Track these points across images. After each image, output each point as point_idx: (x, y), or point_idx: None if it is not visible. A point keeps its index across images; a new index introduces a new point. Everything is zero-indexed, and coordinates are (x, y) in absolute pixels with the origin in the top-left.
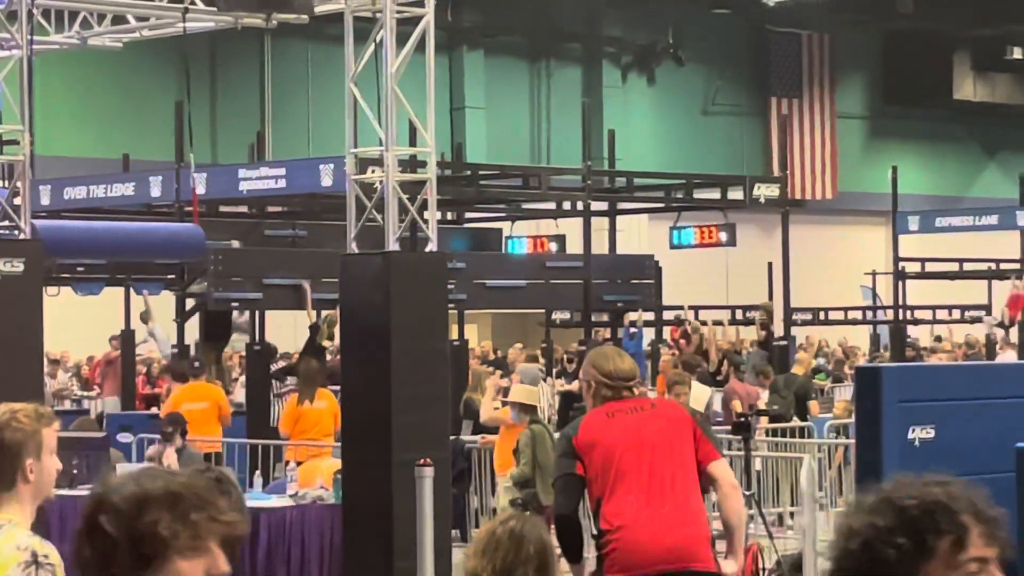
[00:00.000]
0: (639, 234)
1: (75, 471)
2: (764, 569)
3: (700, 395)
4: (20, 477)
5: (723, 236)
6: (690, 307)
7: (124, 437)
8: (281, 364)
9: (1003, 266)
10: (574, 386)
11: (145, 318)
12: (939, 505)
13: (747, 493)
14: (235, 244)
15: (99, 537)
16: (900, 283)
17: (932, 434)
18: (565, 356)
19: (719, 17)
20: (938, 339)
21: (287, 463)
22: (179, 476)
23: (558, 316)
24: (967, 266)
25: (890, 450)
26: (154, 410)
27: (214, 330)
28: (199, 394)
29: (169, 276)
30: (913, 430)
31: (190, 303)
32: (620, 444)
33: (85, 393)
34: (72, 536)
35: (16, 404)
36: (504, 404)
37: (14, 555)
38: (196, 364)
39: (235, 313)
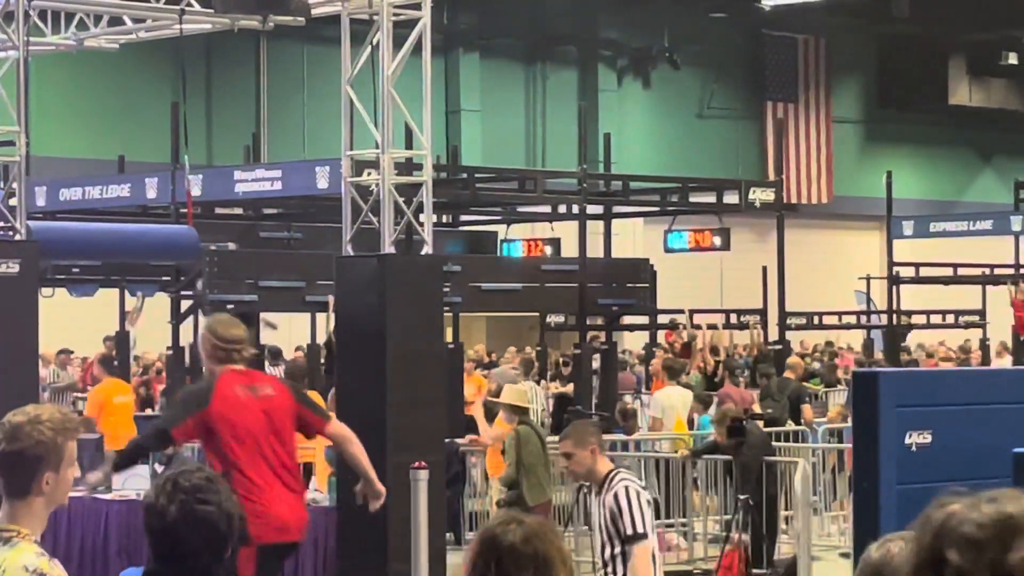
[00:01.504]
0: (634, 238)
1: None
2: (751, 572)
3: (689, 399)
4: (35, 489)
5: (718, 240)
6: (688, 311)
7: None
8: (281, 366)
9: (997, 271)
10: (568, 388)
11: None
12: None
13: (742, 497)
14: (231, 246)
15: None
16: (894, 288)
17: (929, 439)
18: (561, 359)
19: (715, 21)
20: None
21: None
22: None
23: (553, 319)
24: (961, 271)
25: (887, 455)
26: (148, 411)
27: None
28: (124, 389)
29: (164, 277)
30: (910, 435)
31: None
32: (249, 425)
33: (79, 394)
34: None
35: (43, 409)
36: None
37: None
38: (115, 363)
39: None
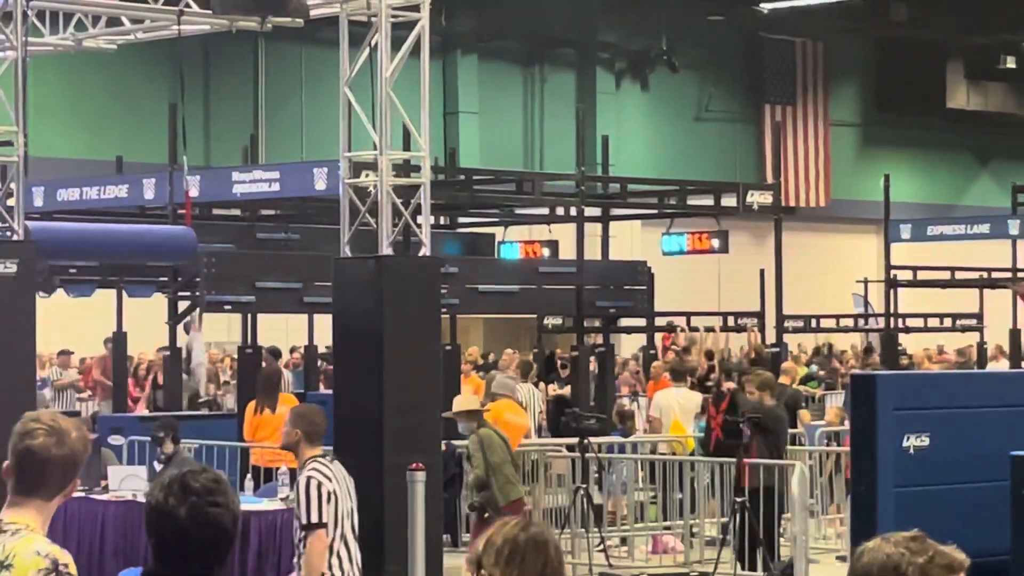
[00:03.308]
0: (632, 240)
1: None
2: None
3: (690, 402)
4: (66, 491)
5: (715, 243)
6: (682, 314)
7: (115, 439)
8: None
9: (995, 275)
10: (566, 391)
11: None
12: None
13: (739, 500)
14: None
15: None
16: (892, 291)
17: (927, 442)
18: (559, 362)
19: (713, 24)
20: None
21: (278, 467)
22: None
23: (550, 321)
24: (959, 275)
25: (885, 458)
26: (145, 412)
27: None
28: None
29: (161, 278)
30: (908, 438)
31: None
32: None
33: (78, 395)
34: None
35: (68, 418)
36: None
37: (35, 561)
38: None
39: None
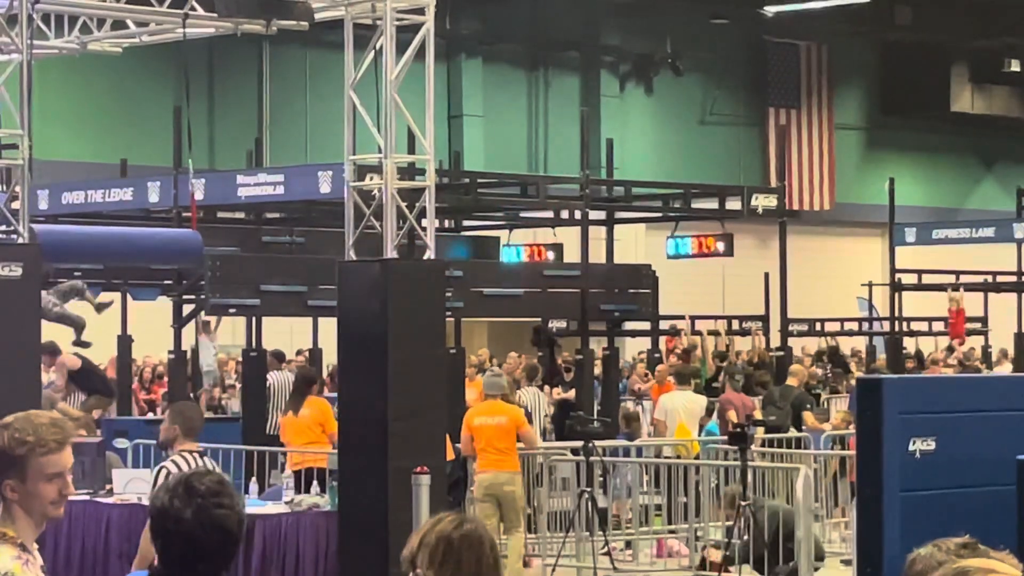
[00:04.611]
0: (636, 243)
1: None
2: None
3: (695, 405)
4: (4, 492)
5: (720, 246)
6: (689, 317)
7: (120, 443)
8: (283, 368)
9: (1000, 278)
10: (570, 394)
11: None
12: None
13: (743, 503)
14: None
15: None
16: (896, 295)
17: (933, 446)
18: (563, 365)
19: (718, 27)
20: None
21: (282, 469)
22: None
23: (555, 325)
24: (964, 278)
25: (891, 462)
26: (150, 416)
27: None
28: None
29: (166, 281)
30: (914, 442)
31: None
32: None
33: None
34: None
35: (28, 416)
36: None
37: None
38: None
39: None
